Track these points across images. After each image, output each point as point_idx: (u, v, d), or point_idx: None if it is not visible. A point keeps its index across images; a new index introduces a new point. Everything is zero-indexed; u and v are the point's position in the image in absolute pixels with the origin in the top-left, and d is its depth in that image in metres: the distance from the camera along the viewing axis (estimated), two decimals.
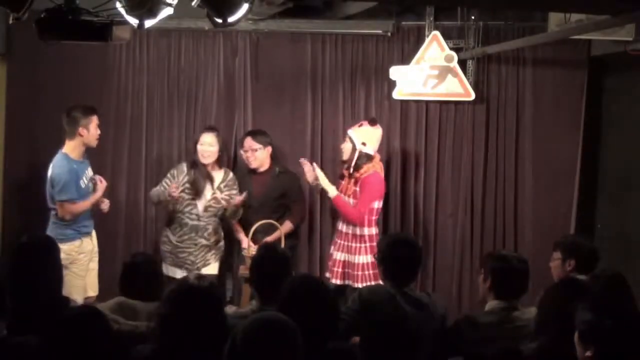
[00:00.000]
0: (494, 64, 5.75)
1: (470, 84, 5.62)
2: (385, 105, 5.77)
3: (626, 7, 3.51)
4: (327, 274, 5.14)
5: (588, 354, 2.34)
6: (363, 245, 4.93)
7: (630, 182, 5.57)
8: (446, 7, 5.63)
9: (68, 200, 4.68)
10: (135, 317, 3.22)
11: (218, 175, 5.15)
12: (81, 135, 4.74)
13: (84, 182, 4.79)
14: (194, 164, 5.09)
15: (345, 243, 5.00)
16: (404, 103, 5.76)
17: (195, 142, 5.11)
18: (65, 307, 3.11)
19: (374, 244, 4.81)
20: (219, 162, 5.19)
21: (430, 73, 5.61)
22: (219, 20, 3.47)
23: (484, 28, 5.60)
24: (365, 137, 4.96)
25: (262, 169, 5.21)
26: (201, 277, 2.82)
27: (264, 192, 5.16)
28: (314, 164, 5.12)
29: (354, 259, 4.95)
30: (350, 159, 4.94)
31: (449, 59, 5.54)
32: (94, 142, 4.83)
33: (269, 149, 5.19)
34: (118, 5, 3.55)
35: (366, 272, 4.90)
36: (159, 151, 5.77)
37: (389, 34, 5.71)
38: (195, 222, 5.06)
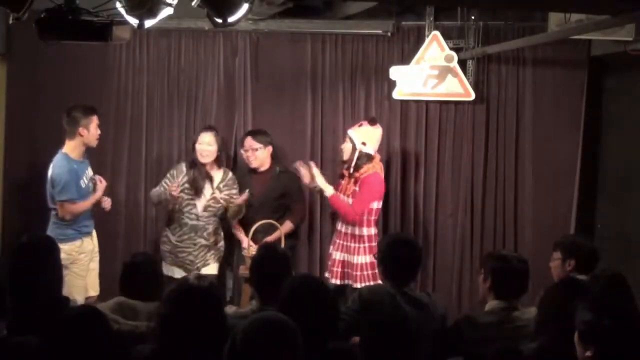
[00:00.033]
0: (494, 64, 5.75)
1: (470, 84, 5.62)
2: (385, 105, 5.77)
3: (626, 7, 3.51)
4: (327, 274, 5.14)
5: (588, 354, 2.34)
6: (362, 245, 4.93)
7: (630, 182, 5.57)
8: (446, 7, 5.63)
9: (68, 200, 4.68)
10: (135, 317, 3.22)
11: (217, 175, 5.15)
12: (81, 135, 4.75)
13: (84, 182, 4.80)
14: (193, 163, 5.09)
15: (344, 243, 5.00)
16: (404, 103, 5.76)
17: (194, 142, 5.12)
18: (65, 307, 3.11)
19: (373, 244, 4.82)
20: (218, 162, 5.18)
21: (430, 73, 5.60)
22: (219, 20, 3.47)
23: (484, 28, 5.59)
24: (365, 137, 4.96)
25: (262, 169, 5.21)
26: (201, 277, 2.83)
27: (264, 191, 5.15)
28: (311, 163, 5.11)
29: (352, 259, 4.95)
30: (351, 159, 4.94)
31: (449, 59, 5.54)
32: (94, 142, 4.84)
33: (270, 148, 5.19)
34: (118, 5, 3.55)
35: (365, 272, 4.89)
36: (159, 151, 5.77)
37: (389, 34, 5.71)
38: (195, 222, 5.07)
